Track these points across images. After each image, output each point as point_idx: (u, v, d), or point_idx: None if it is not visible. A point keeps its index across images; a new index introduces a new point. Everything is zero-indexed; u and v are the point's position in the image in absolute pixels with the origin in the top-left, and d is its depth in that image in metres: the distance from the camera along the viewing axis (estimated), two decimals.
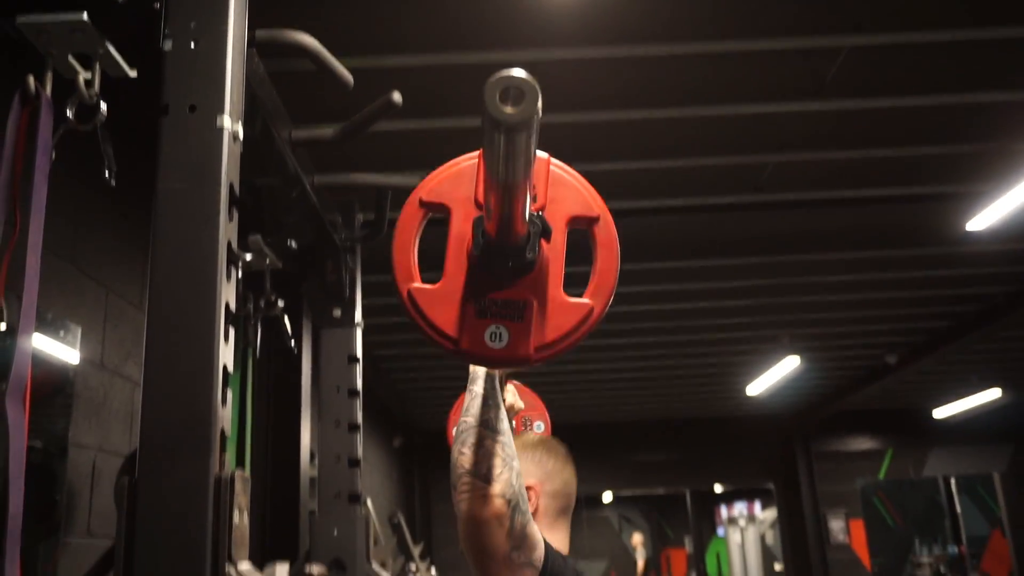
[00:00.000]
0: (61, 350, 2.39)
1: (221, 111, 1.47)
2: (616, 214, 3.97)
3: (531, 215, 1.15)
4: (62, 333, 2.42)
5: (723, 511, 18.12)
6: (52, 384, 2.39)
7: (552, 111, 3.39)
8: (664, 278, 5.40)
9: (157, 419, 1.35)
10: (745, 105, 3.52)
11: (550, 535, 1.77)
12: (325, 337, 2.99)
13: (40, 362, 2.27)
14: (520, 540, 1.40)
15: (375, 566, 3.05)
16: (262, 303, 2.75)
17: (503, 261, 1.17)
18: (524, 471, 1.65)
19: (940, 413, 10.21)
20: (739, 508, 17.28)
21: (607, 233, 1.23)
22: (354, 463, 2.79)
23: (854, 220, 4.96)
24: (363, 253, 3.18)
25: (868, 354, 7.71)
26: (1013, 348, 7.71)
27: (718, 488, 16.31)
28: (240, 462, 3.50)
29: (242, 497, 1.33)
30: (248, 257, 2.55)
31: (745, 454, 10.60)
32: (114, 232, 2.78)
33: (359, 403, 2.87)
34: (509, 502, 1.38)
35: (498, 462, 1.41)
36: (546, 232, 1.18)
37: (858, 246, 5.11)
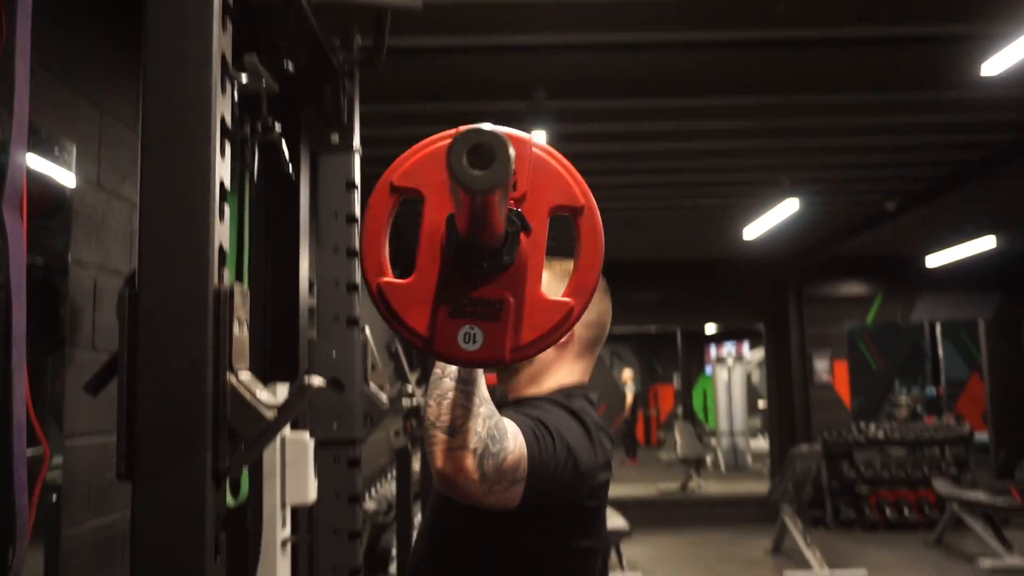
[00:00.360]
0: (57, 170, 2.37)
1: None
2: (622, 47, 3.87)
3: (509, 212, 1.05)
4: (57, 151, 2.39)
5: (712, 350, 18.62)
6: (50, 202, 2.38)
7: None
8: (664, 115, 5.31)
9: (155, 235, 1.35)
10: None
11: (574, 366, 1.83)
12: (323, 163, 2.96)
13: (37, 179, 2.26)
14: (495, 478, 1.41)
15: (373, 387, 3.14)
16: (259, 126, 2.70)
17: (478, 262, 1.07)
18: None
19: (932, 261, 10.29)
20: (728, 348, 17.76)
21: (591, 224, 1.12)
22: (352, 288, 2.83)
23: (864, 61, 4.84)
24: (363, 79, 3.10)
25: (867, 200, 7.70)
26: (1014, 196, 7.70)
27: (709, 328, 16.68)
28: (239, 279, 3.54)
29: (241, 310, 1.35)
30: (244, 78, 2.48)
31: (737, 296, 10.75)
32: (108, 55, 2.70)
33: (357, 229, 2.88)
34: (475, 451, 1.37)
35: (461, 412, 1.39)
36: (525, 229, 1.08)
37: (861, 88, 5.01)
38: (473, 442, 1.38)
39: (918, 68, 4.87)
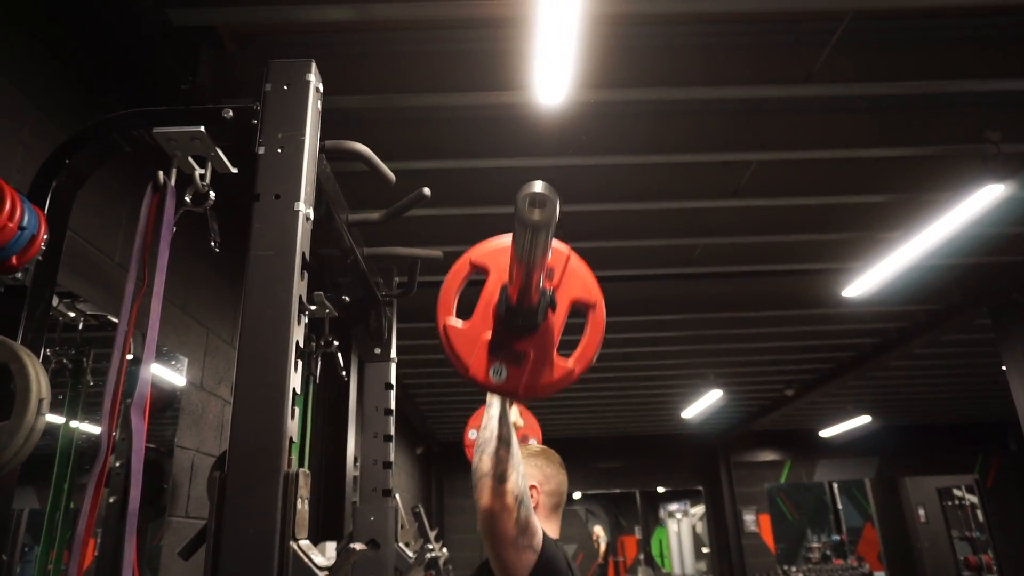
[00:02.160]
0: (172, 375, 2.37)
1: (298, 199, 1.47)
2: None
3: (544, 290, 1.15)
4: (173, 363, 2.40)
5: (664, 507, 17.81)
6: (164, 400, 2.36)
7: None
8: (621, 328, 5.39)
9: (243, 428, 1.33)
10: (682, 201, 3.55)
11: (546, 525, 1.73)
12: (368, 369, 2.96)
13: (156, 383, 2.25)
14: (524, 528, 1.39)
15: (401, 545, 2.97)
16: (322, 343, 2.73)
17: (517, 319, 1.16)
18: (528, 474, 1.64)
19: (825, 433, 10.13)
20: (676, 505, 16.98)
21: (598, 318, 1.21)
22: (387, 465, 2.74)
23: (760, 288, 4.99)
24: (399, 306, 3.17)
25: (772, 388, 7.67)
26: (877, 385, 7.69)
27: (660, 489, 16.06)
28: (302, 463, 3.44)
29: (304, 489, 1.30)
30: (313, 308, 2.53)
31: (681, 463, 10.47)
32: (214, 289, 2.77)
33: (392, 419, 2.83)
34: (517, 498, 1.37)
35: (509, 467, 1.39)
36: (552, 304, 1.17)
37: (763, 307, 5.13)
38: (516, 490, 1.37)
39: (799, 292, 5.02)
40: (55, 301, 1.81)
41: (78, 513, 1.30)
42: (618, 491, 11.51)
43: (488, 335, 1.17)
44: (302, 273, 1.49)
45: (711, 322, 5.38)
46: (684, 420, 8.88)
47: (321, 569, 1.21)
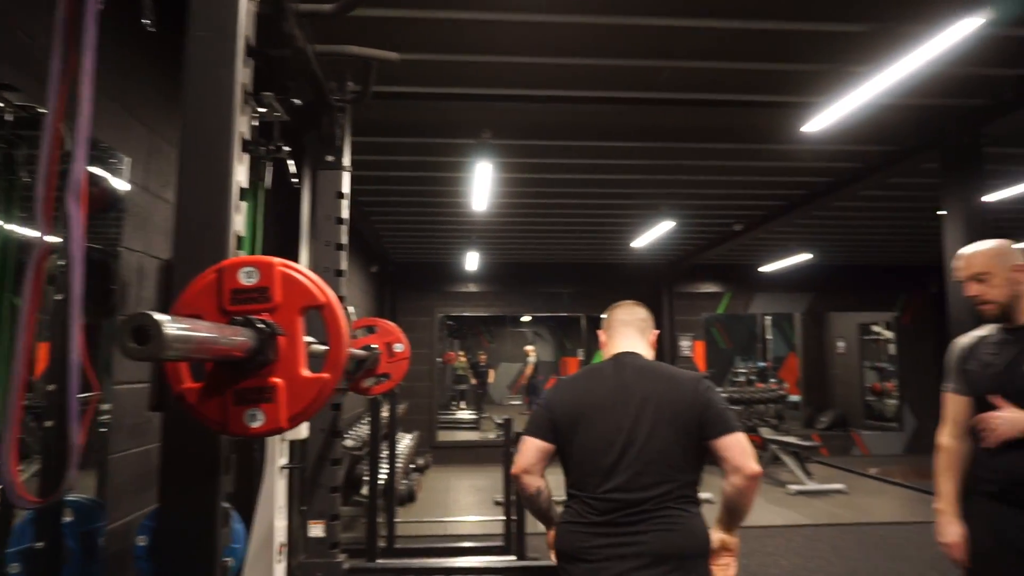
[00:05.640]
0: (114, 177, 2.27)
1: None
2: (549, 100, 3.82)
3: (263, 324, 1.06)
4: (114, 162, 2.28)
5: None
6: (107, 201, 2.27)
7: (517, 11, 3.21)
8: (577, 154, 5.33)
9: (187, 219, 1.29)
10: (649, 18, 3.37)
11: (610, 342, 2.16)
12: (320, 177, 2.89)
13: (97, 183, 2.15)
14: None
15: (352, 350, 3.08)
16: (272, 147, 2.62)
17: (247, 365, 1.06)
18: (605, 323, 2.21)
19: (764, 268, 10.58)
20: None
21: (332, 316, 1.12)
22: (339, 273, 2.77)
23: (720, 119, 4.92)
24: (356, 118, 3.04)
25: (722, 222, 7.84)
26: (825, 224, 7.93)
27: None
28: None
29: None
30: (262, 109, 2.40)
31: (627, 290, 10.68)
32: (157, 86, 2.59)
33: (344, 229, 2.82)
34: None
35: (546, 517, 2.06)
36: (275, 334, 1.08)
37: (722, 139, 5.09)
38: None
39: (759, 125, 4.97)
40: None
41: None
42: (565, 315, 12.02)
43: (225, 385, 1.08)
44: (246, 59, 1.38)
45: (670, 152, 5.34)
46: (633, 250, 9.10)
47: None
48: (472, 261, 9.88)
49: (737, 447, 1.78)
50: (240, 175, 1.35)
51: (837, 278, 10.76)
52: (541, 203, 6.76)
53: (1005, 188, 5.97)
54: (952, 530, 2.17)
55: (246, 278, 1.10)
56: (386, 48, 2.88)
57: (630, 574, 1.70)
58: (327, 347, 1.14)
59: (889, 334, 12.03)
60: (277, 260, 1.12)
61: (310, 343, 1.51)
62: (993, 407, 2.04)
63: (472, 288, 10.65)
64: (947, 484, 2.22)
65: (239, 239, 1.36)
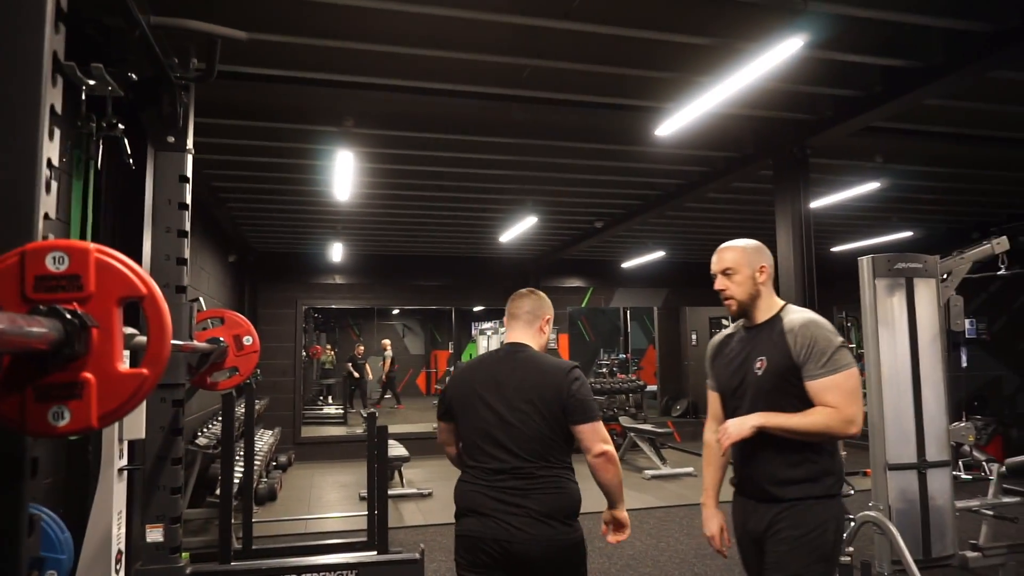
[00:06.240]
0: None
1: None
2: (414, 91, 3.79)
3: (72, 315, 0.99)
4: None
5: (477, 325, 18.94)
6: None
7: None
8: (442, 147, 5.32)
9: None
10: (514, 16, 3.42)
11: (506, 333, 2.34)
12: (160, 159, 2.71)
13: None
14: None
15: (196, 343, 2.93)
16: (104, 124, 2.43)
17: (51, 359, 0.98)
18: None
19: (625, 264, 11.09)
20: (488, 323, 18.11)
21: (155, 308, 1.06)
22: (181, 261, 2.61)
23: (581, 120, 5.10)
24: (207, 100, 2.88)
25: (584, 219, 8.12)
26: (673, 223, 8.40)
27: (477, 309, 16.97)
28: None
29: None
30: (92, 83, 2.22)
31: (495, 284, 10.99)
32: None
33: (187, 215, 2.66)
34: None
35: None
36: (87, 326, 1.00)
37: (582, 139, 5.27)
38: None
39: (617, 127, 5.21)
40: None
41: None
42: (434, 308, 12.00)
43: (26, 379, 0.99)
44: (57, 24, 1.28)
45: (533, 148, 5.46)
46: (501, 244, 9.23)
47: None
48: (338, 252, 9.62)
49: (590, 431, 2.10)
50: (51, 151, 1.25)
51: (690, 274, 11.46)
52: (407, 195, 6.70)
53: (828, 195, 6.62)
54: (711, 523, 2.25)
55: (54, 264, 1.01)
56: (242, 28, 2.75)
57: (511, 522, 2.04)
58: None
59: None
60: (94, 246, 1.04)
61: (133, 335, 1.42)
62: (737, 402, 2.14)
63: (338, 280, 10.39)
64: (708, 478, 2.32)
65: (65, 225, 1.26)
